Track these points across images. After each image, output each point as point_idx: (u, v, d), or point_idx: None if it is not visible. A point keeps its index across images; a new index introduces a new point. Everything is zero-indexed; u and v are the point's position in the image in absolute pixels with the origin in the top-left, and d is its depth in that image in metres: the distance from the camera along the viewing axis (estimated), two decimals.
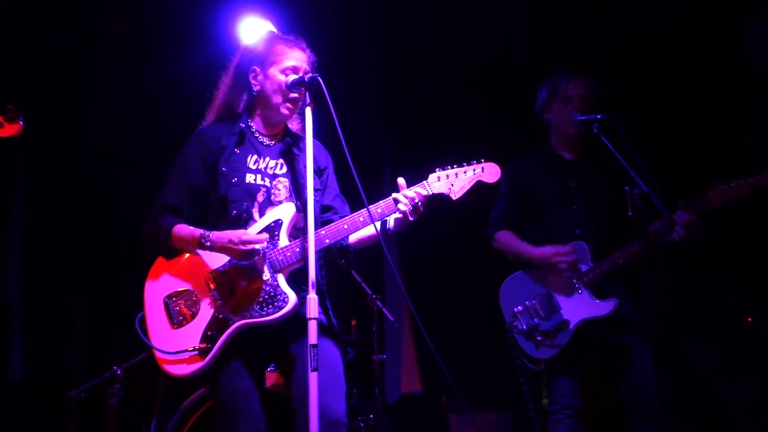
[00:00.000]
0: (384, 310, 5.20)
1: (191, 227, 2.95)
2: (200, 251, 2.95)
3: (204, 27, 5.37)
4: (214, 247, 2.89)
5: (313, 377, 2.57)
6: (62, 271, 5.45)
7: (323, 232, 2.97)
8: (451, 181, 3.06)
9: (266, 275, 2.91)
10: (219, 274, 2.95)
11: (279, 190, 3.07)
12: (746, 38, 4.96)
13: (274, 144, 3.15)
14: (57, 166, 5.66)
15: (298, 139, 3.20)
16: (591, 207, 3.89)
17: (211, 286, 2.93)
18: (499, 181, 3.13)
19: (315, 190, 2.95)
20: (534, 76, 4.16)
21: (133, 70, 5.53)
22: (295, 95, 3.07)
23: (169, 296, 2.97)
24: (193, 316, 2.92)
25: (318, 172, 3.18)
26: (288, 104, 3.08)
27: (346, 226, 2.98)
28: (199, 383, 4.00)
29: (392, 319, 5.26)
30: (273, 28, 4.68)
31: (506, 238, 3.98)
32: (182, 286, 2.97)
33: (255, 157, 3.08)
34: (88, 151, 5.71)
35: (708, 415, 4.54)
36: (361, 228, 3.00)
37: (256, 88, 3.12)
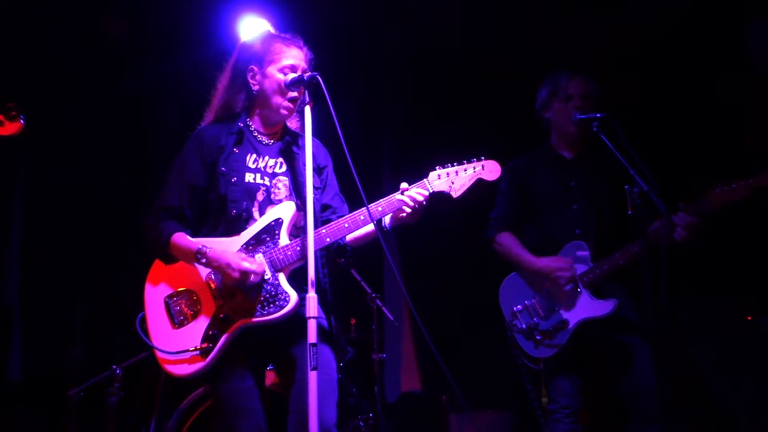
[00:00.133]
0: (383, 308, 5.20)
1: (189, 239, 2.94)
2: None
3: (204, 27, 5.38)
4: (210, 266, 2.89)
5: (312, 376, 2.57)
6: (62, 270, 5.45)
7: (324, 230, 2.97)
8: (452, 179, 3.06)
9: (267, 274, 2.91)
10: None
11: (279, 188, 3.06)
12: (746, 38, 4.96)
13: (273, 143, 3.15)
14: (57, 165, 5.66)
15: (297, 137, 3.20)
16: (591, 206, 3.89)
17: (212, 285, 2.92)
18: (500, 179, 3.13)
19: (315, 188, 2.95)
20: (534, 76, 4.17)
21: (133, 70, 5.54)
22: (295, 94, 3.06)
23: (170, 296, 2.96)
24: (194, 315, 2.92)
25: (317, 170, 3.18)
26: (287, 103, 3.07)
27: (346, 225, 2.98)
28: (199, 382, 4.00)
29: (392, 317, 5.26)
30: (272, 28, 4.67)
31: (508, 242, 3.97)
32: (183, 286, 2.97)
33: (254, 156, 3.08)
34: (88, 151, 5.71)
35: (708, 414, 4.54)
36: (362, 226, 3.00)
37: (254, 88, 3.11)
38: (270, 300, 2.88)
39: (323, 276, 3.10)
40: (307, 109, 2.87)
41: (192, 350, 2.86)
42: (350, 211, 3.10)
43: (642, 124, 4.67)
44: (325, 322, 3.04)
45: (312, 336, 2.60)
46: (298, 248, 2.93)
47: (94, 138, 5.75)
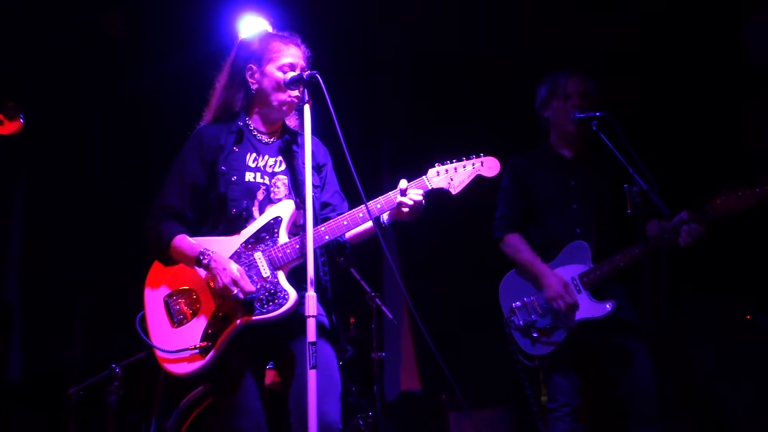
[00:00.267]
0: (383, 307, 5.20)
1: (191, 241, 2.93)
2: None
3: (204, 26, 5.38)
4: (208, 271, 2.87)
5: (311, 375, 2.57)
6: (61, 269, 5.45)
7: (323, 228, 2.97)
8: (451, 176, 3.06)
9: (266, 273, 2.91)
10: None
11: (278, 187, 3.06)
12: (745, 36, 4.96)
13: (272, 141, 3.15)
14: (57, 165, 5.67)
15: (296, 135, 3.20)
16: (591, 205, 3.88)
17: (212, 284, 2.92)
18: (499, 175, 3.13)
19: (314, 186, 2.95)
20: (534, 76, 4.17)
21: (133, 70, 5.54)
22: (294, 92, 3.06)
23: (169, 295, 2.96)
24: (194, 314, 2.92)
25: (317, 168, 3.18)
26: (287, 101, 3.07)
27: (345, 222, 2.98)
28: (198, 381, 4.01)
29: (391, 316, 5.26)
30: (271, 27, 4.69)
31: (517, 244, 3.92)
32: (182, 285, 2.97)
33: (254, 155, 3.08)
34: (88, 151, 5.72)
35: (708, 415, 4.54)
36: (361, 224, 3.00)
37: (254, 87, 3.11)
38: (269, 298, 2.88)
39: (323, 274, 3.10)
40: (307, 108, 2.87)
41: (191, 349, 2.86)
42: (350, 208, 3.09)
43: (641, 124, 4.67)
44: (325, 320, 3.04)
45: (311, 335, 2.59)
46: (297, 246, 2.93)
47: (94, 138, 5.75)
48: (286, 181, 3.08)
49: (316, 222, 3.00)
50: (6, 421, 5.21)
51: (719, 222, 3.49)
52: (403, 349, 6.29)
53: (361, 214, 2.97)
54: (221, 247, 2.92)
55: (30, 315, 5.56)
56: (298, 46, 3.13)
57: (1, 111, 3.31)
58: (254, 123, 3.15)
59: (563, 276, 3.76)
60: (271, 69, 3.07)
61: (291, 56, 3.08)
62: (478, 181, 3.08)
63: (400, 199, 2.98)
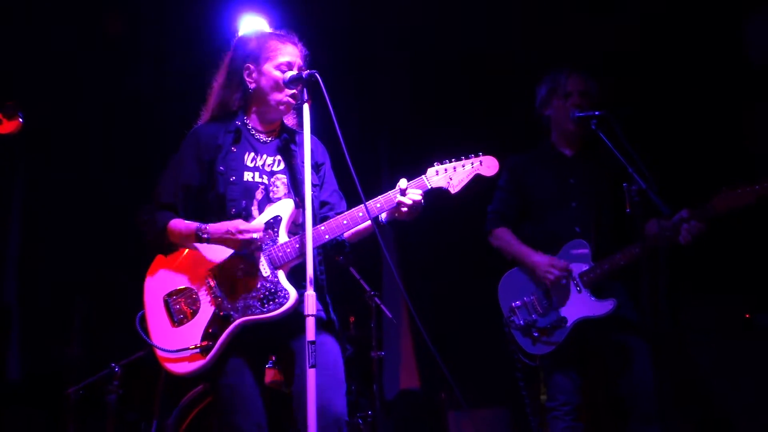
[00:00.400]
0: (382, 306, 5.20)
1: (187, 221, 2.96)
2: (199, 246, 2.95)
3: (204, 26, 5.38)
4: (212, 239, 2.89)
5: (311, 374, 2.57)
6: (60, 269, 5.45)
7: (323, 227, 2.97)
8: (450, 175, 3.06)
9: (266, 272, 2.91)
10: (219, 271, 2.95)
11: (277, 187, 3.06)
12: (745, 35, 4.96)
13: (270, 140, 3.15)
14: (57, 164, 5.67)
15: (295, 134, 3.20)
16: (591, 204, 3.88)
17: (211, 283, 2.93)
18: (497, 174, 3.13)
19: (312, 185, 2.95)
20: (534, 76, 4.17)
21: (133, 70, 5.54)
22: (293, 91, 3.06)
23: (169, 294, 2.97)
24: (194, 314, 2.92)
25: (315, 167, 3.18)
26: (285, 99, 3.07)
27: (345, 222, 2.98)
28: (198, 380, 4.00)
29: (390, 315, 5.26)
30: (271, 27, 4.69)
31: (504, 236, 3.98)
32: (182, 284, 2.97)
33: (252, 154, 3.08)
34: (88, 151, 5.72)
35: (708, 413, 4.54)
36: (361, 223, 3.00)
37: (251, 86, 3.11)
38: (270, 297, 2.88)
39: (320, 273, 3.10)
40: (306, 108, 2.87)
41: (192, 348, 2.86)
42: (349, 207, 3.09)
43: (641, 123, 4.67)
44: (325, 317, 3.04)
45: (310, 334, 2.59)
46: (297, 246, 2.93)
47: (94, 138, 5.75)
48: (285, 180, 3.08)
49: (315, 221, 3.00)
50: (5, 420, 5.21)
51: (719, 220, 3.49)
52: (403, 348, 6.30)
53: (360, 214, 2.97)
54: (221, 247, 2.93)
55: (29, 314, 5.56)
56: (295, 44, 3.13)
57: (0, 110, 3.31)
58: (252, 122, 3.15)
59: None
60: (269, 68, 3.07)
61: (288, 55, 3.08)
62: (477, 180, 3.08)
63: (399, 198, 2.98)
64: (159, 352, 2.91)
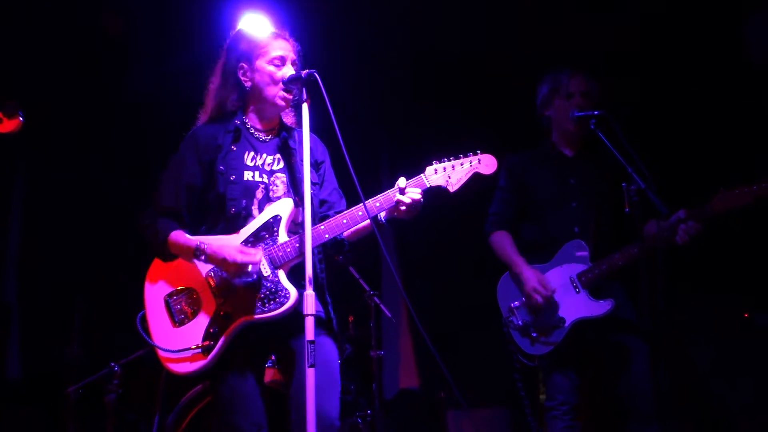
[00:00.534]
0: (381, 306, 5.20)
1: (187, 236, 2.95)
2: None
3: (204, 26, 5.37)
4: (209, 261, 2.90)
5: (310, 373, 2.57)
6: (60, 268, 5.46)
7: (322, 227, 2.97)
8: (448, 174, 3.05)
9: (267, 271, 2.91)
10: (219, 271, 2.94)
11: (277, 185, 3.06)
12: (745, 35, 4.96)
13: (270, 139, 3.15)
14: (57, 164, 5.67)
15: (294, 132, 3.20)
16: (590, 204, 3.88)
17: (212, 283, 2.92)
18: (496, 172, 3.12)
19: (312, 184, 2.94)
20: (533, 76, 4.17)
21: (133, 69, 5.54)
22: (291, 89, 3.07)
23: (170, 294, 2.96)
24: (195, 314, 2.92)
25: (315, 165, 3.17)
26: (282, 93, 3.06)
27: (345, 221, 2.97)
28: (198, 379, 4.01)
29: (389, 315, 5.26)
30: (271, 26, 4.68)
31: (502, 241, 3.96)
32: (182, 284, 2.97)
33: (252, 153, 3.08)
34: (88, 151, 5.72)
35: (706, 414, 4.55)
36: (360, 222, 3.00)
37: (247, 84, 3.11)
38: (270, 297, 2.88)
39: (320, 272, 3.10)
40: (305, 107, 2.87)
41: (194, 348, 2.86)
42: (348, 206, 3.09)
43: (641, 124, 4.68)
44: (323, 313, 3.04)
45: (309, 333, 2.60)
46: (297, 245, 2.92)
47: (94, 138, 5.75)
48: (284, 179, 3.08)
49: (315, 220, 3.00)
50: (5, 419, 5.22)
51: (717, 220, 3.49)
52: (402, 347, 6.30)
53: (360, 213, 2.97)
54: (219, 243, 2.92)
55: (29, 314, 5.56)
56: (286, 39, 3.14)
57: (1, 109, 3.30)
58: (251, 121, 3.15)
59: (561, 275, 3.77)
60: (262, 64, 3.08)
61: (280, 49, 3.08)
62: (476, 179, 3.07)
63: (398, 197, 2.98)
64: (161, 353, 2.90)
